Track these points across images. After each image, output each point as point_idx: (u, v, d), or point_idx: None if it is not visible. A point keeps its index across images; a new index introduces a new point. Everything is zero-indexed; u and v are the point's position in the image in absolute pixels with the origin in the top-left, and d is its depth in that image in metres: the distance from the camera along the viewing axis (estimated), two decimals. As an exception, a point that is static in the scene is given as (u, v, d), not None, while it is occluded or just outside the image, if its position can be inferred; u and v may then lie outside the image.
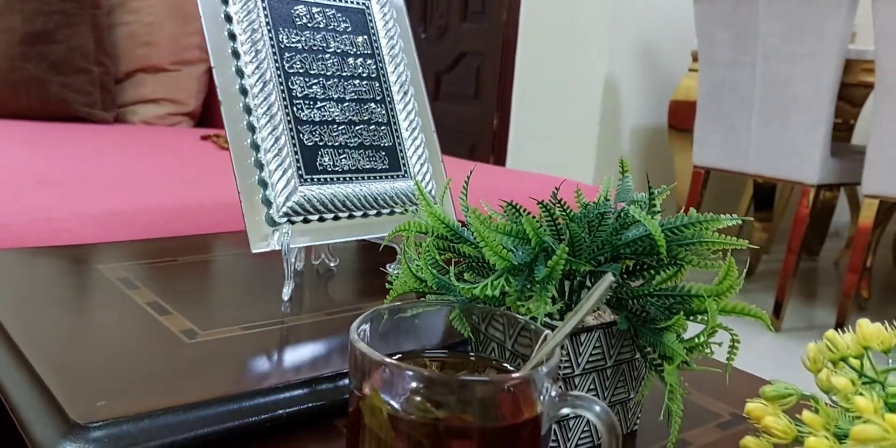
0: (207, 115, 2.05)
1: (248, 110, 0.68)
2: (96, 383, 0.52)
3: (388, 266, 0.80)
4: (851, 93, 2.41)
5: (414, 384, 0.36)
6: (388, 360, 0.35)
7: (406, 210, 0.77)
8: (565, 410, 0.36)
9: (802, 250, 2.23)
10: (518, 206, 0.50)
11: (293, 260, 0.70)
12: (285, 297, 0.69)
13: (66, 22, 1.83)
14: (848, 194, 2.77)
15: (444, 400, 0.36)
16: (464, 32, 3.09)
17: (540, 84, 2.81)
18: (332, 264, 0.81)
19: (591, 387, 0.51)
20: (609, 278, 0.36)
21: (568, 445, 0.51)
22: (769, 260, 2.88)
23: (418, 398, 0.36)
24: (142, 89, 1.96)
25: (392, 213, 0.76)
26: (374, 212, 0.74)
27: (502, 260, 0.46)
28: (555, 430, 0.50)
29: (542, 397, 0.36)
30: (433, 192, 0.79)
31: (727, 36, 2.15)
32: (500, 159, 2.94)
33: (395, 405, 0.36)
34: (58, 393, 0.49)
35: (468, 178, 0.54)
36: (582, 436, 0.52)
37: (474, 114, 3.03)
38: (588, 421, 0.52)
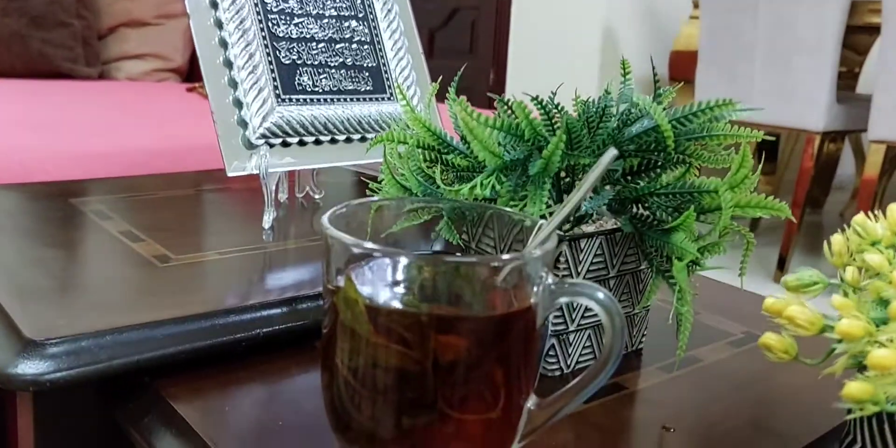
0: (195, 71, 2.00)
1: (220, 24, 0.63)
2: (58, 303, 0.48)
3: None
4: (856, 39, 2.34)
5: (393, 270, 0.32)
6: (365, 242, 0.31)
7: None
8: (563, 299, 0.32)
9: (807, 203, 2.19)
10: (510, 102, 0.46)
11: (273, 187, 0.66)
12: (266, 226, 0.65)
13: (45, -26, 1.76)
14: (853, 145, 2.72)
15: (427, 288, 0.32)
16: (457, -14, 3.01)
17: (536, 37, 2.74)
18: (317, 197, 0.77)
19: (593, 299, 0.47)
20: (612, 152, 0.32)
21: (568, 362, 0.47)
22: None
23: (399, 288, 0.32)
24: (125, 45, 1.90)
25: (379, 138, 0.72)
26: (359, 136, 0.70)
27: (493, 156, 0.42)
28: (553, 346, 0.46)
29: (537, 288, 0.32)
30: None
31: (728, -20, 2.08)
32: (497, 117, 2.87)
33: (373, 297, 0.32)
34: (13, 312, 0.45)
35: (458, 75, 0.49)
36: (583, 352, 0.48)
37: (470, 69, 2.96)
38: (589, 336, 0.48)
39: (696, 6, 2.42)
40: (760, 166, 0.43)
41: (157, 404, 0.43)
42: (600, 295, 0.31)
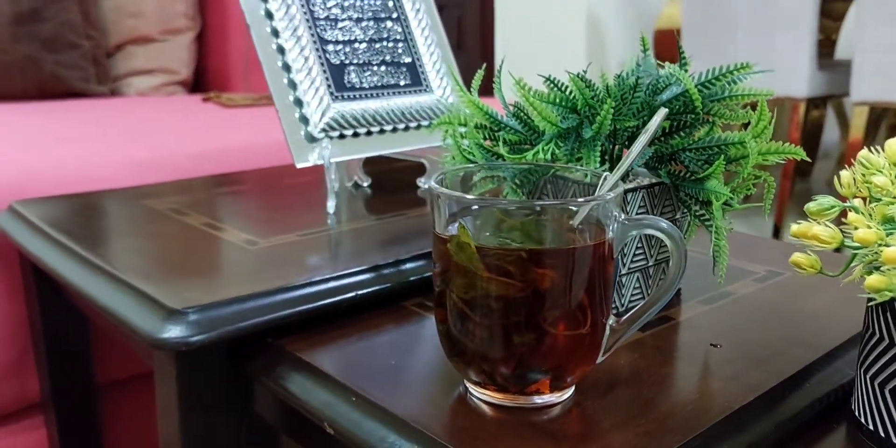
0: (200, 83, 2.07)
1: (276, 33, 0.71)
2: (181, 282, 0.56)
3: (418, 180, 0.84)
4: (831, 6, 2.43)
5: (495, 216, 0.40)
6: (470, 196, 0.39)
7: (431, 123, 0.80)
8: (634, 232, 0.40)
9: (796, 173, 2.28)
10: (556, 80, 0.53)
11: (333, 176, 0.73)
12: (330, 210, 0.73)
13: (52, -2, 1.83)
14: (836, 111, 2.81)
15: (523, 229, 0.39)
16: (441, -16, 3.08)
17: (522, 29, 2.82)
18: (364, 184, 0.84)
19: (639, 245, 0.55)
20: (664, 111, 0.40)
21: (622, 301, 0.55)
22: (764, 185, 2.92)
23: (501, 230, 0.40)
24: (133, 61, 1.97)
25: (418, 127, 0.79)
26: (403, 126, 0.77)
27: (551, 125, 0.50)
28: (610, 287, 0.54)
29: (610, 226, 0.40)
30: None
31: (706, -41, 2.16)
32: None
33: (481, 240, 0.40)
34: (151, 291, 0.53)
35: (502, 62, 0.57)
36: (634, 292, 0.56)
37: (459, 66, 3.03)
38: (637, 278, 0.56)
39: (675, -13, 2.50)
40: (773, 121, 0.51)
41: (284, 357, 0.50)
42: (664, 224, 0.39)
